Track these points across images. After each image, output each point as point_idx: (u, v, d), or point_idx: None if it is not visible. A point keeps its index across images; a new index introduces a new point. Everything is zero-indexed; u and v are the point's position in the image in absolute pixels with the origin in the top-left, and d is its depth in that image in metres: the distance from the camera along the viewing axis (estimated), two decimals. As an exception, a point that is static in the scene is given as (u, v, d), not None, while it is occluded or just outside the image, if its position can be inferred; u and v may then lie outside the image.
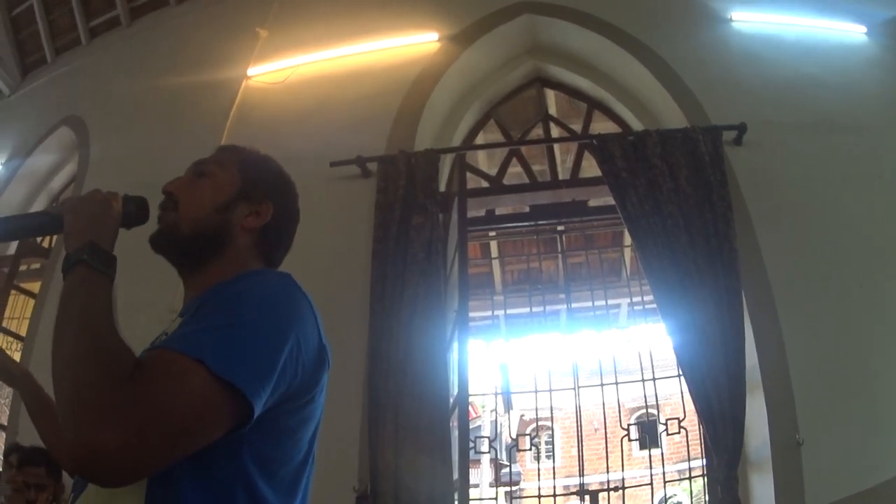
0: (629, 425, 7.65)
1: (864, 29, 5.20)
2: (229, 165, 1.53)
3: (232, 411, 1.10)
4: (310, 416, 1.31)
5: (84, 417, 1.01)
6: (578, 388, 5.56)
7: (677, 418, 4.49)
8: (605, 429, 6.43)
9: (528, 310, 7.42)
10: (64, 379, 1.08)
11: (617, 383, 5.27)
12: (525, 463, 23.80)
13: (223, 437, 1.11)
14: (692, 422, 4.40)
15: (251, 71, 5.52)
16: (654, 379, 5.01)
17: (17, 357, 6.16)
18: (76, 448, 1.00)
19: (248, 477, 1.17)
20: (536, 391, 5.42)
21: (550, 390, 5.29)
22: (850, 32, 5.22)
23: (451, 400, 4.01)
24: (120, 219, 1.40)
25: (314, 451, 1.34)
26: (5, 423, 5.33)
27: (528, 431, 23.03)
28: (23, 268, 6.52)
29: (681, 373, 4.03)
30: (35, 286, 6.13)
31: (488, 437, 4.87)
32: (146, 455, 1.02)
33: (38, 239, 6.49)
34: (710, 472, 4.00)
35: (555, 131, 5.63)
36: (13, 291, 6.33)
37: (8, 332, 6.57)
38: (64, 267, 1.27)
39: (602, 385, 5.57)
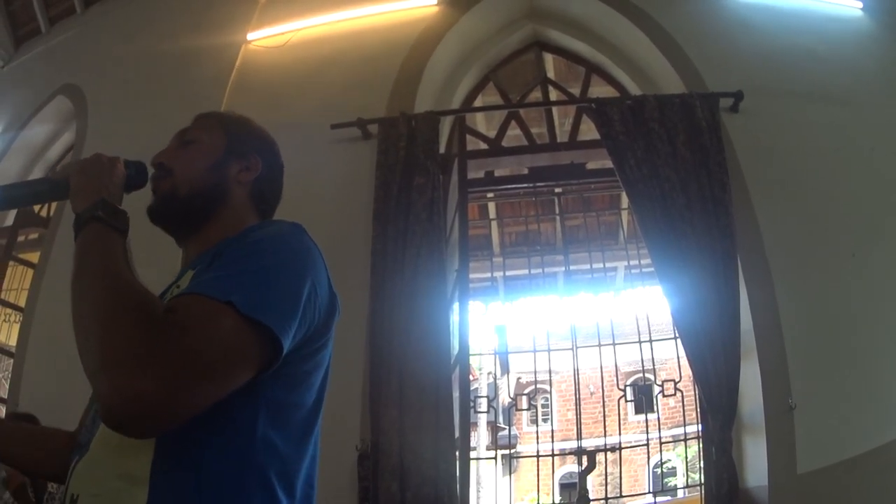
0: (626, 386, 7.74)
1: (860, 5, 5.24)
2: (213, 129, 1.57)
3: (261, 352, 1.12)
4: (322, 361, 1.33)
5: (120, 364, 0.99)
6: (577, 349, 5.61)
7: (673, 380, 4.55)
8: (603, 391, 6.46)
9: (526, 272, 7.44)
10: (90, 332, 1.05)
11: (615, 344, 5.32)
12: (521, 426, 24.00)
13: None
14: (687, 386, 4.47)
15: (251, 35, 5.49)
16: (650, 341, 5.07)
17: (15, 329, 6.18)
18: (112, 396, 0.98)
19: (263, 423, 1.18)
20: (535, 351, 5.46)
21: (549, 350, 5.33)
22: (846, 7, 5.26)
23: (452, 359, 4.07)
24: (125, 179, 1.41)
25: (324, 398, 1.35)
26: (5, 396, 5.35)
27: (525, 392, 23.23)
28: (21, 238, 6.50)
29: (677, 335, 4.09)
30: (34, 256, 6.04)
31: (487, 397, 4.93)
32: (184, 400, 1.01)
33: (37, 208, 6.46)
34: (706, 434, 4.07)
35: (553, 94, 5.63)
36: (12, 262, 6.30)
37: (7, 304, 6.58)
38: (76, 226, 1.26)
39: (600, 345, 5.64)
